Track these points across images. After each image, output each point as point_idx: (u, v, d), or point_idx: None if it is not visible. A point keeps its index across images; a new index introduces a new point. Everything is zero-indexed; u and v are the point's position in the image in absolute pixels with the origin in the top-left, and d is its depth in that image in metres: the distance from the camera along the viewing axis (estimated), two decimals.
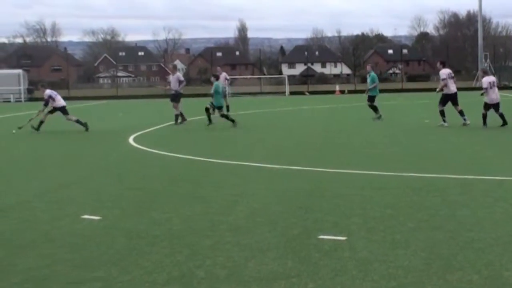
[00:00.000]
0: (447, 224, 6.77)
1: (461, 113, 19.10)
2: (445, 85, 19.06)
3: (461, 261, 5.44)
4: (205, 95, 29.25)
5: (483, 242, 6.02)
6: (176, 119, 22.48)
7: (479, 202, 7.93)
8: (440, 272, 5.17)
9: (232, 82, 50.75)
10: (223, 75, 29.53)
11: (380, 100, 23.43)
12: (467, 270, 5.22)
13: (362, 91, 57.23)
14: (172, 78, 23.37)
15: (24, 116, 28.32)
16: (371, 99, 22.96)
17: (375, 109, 22.88)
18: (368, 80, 23.31)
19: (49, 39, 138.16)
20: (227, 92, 29.15)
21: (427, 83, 72.51)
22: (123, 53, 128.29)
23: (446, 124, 18.82)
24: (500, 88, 26.16)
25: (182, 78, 23.31)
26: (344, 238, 6.30)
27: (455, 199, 8.15)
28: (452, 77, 19.42)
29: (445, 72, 19.23)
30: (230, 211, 7.70)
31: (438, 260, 5.49)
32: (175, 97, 22.78)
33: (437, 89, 19.71)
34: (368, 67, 24.63)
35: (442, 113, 19.12)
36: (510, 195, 8.39)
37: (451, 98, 19.19)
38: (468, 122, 18.87)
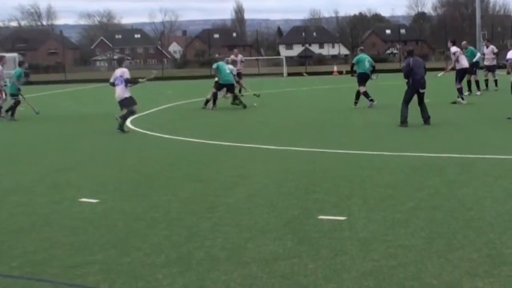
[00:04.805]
0: (447, 203, 6.75)
1: (459, 90, 19.06)
2: (457, 61, 19.28)
3: (461, 240, 5.43)
4: (202, 77, 29.00)
5: (483, 221, 6.01)
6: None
7: (479, 181, 7.91)
8: (440, 251, 5.15)
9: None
10: (239, 57, 27.99)
11: (379, 81, 23.23)
12: (467, 248, 5.20)
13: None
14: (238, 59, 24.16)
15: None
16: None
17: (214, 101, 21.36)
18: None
19: (44, 23, 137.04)
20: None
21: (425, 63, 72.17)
22: (120, 36, 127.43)
23: (464, 102, 18.83)
24: (499, 67, 26.11)
25: (243, 59, 24.56)
26: (344, 218, 6.28)
27: (455, 178, 8.13)
28: (461, 54, 19.86)
29: (456, 48, 19.61)
30: (229, 193, 7.68)
31: (439, 239, 5.47)
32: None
33: (448, 68, 20.39)
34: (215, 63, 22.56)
35: (460, 91, 19.19)
36: (510, 173, 8.38)
37: (464, 72, 19.57)
38: (464, 102, 18.82)
